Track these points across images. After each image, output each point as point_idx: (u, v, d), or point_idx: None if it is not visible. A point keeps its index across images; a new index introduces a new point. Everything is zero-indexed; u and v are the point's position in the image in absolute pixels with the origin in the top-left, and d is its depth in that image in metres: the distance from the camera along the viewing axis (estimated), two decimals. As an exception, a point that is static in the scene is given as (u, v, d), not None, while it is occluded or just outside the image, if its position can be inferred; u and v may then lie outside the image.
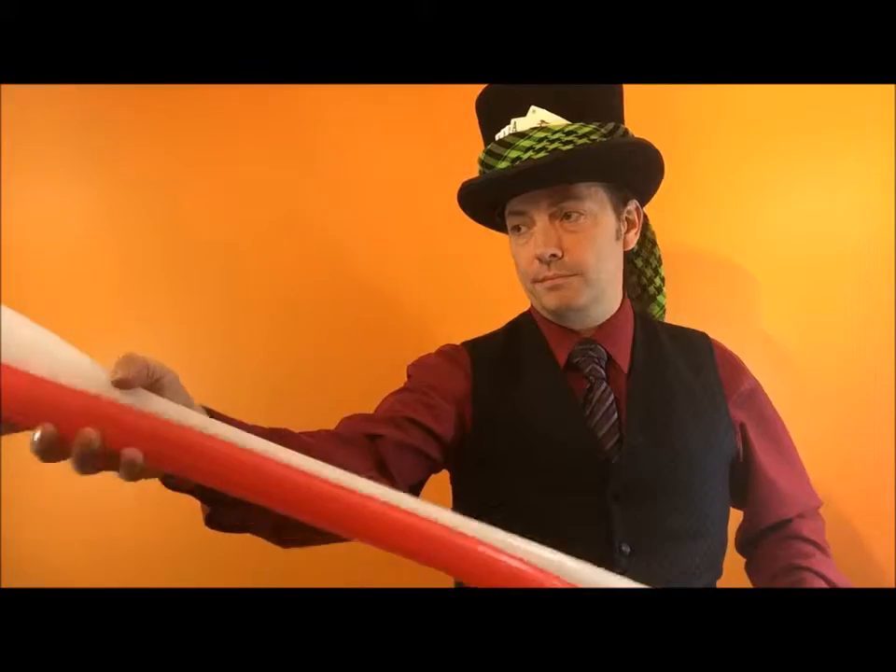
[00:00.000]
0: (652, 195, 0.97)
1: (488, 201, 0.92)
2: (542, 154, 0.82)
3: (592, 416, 0.87)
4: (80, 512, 1.35)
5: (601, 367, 0.90)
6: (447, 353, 0.97)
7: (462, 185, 0.91)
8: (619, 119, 0.89)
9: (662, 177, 0.93)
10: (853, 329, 1.33)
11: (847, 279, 1.34)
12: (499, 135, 0.87)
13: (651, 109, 1.24)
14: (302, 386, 1.38)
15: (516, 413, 0.89)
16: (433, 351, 0.98)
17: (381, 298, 1.41)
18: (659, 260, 1.02)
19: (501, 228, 0.97)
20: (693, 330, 1.00)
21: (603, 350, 0.91)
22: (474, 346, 0.97)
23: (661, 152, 0.88)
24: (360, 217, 1.42)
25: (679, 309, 1.09)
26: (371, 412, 0.88)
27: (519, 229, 0.90)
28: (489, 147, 0.88)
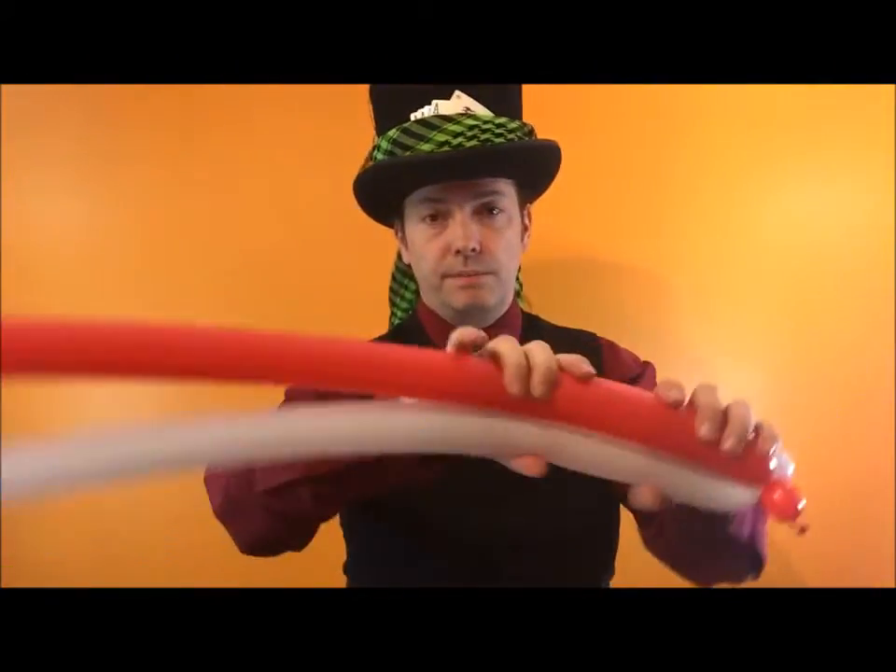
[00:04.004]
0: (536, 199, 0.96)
1: (406, 184, 0.86)
2: (474, 143, 0.80)
3: None
4: (80, 512, 1.35)
5: None
6: None
7: (382, 162, 0.85)
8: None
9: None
10: (853, 329, 1.33)
11: (847, 280, 1.33)
12: (417, 115, 0.83)
13: (649, 110, 1.24)
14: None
15: None
16: None
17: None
18: None
19: (385, 218, 0.95)
20: (583, 331, 0.98)
21: None
22: None
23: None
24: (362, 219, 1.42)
25: (679, 312, 1.09)
26: None
27: (434, 218, 0.85)
28: (406, 125, 0.83)
